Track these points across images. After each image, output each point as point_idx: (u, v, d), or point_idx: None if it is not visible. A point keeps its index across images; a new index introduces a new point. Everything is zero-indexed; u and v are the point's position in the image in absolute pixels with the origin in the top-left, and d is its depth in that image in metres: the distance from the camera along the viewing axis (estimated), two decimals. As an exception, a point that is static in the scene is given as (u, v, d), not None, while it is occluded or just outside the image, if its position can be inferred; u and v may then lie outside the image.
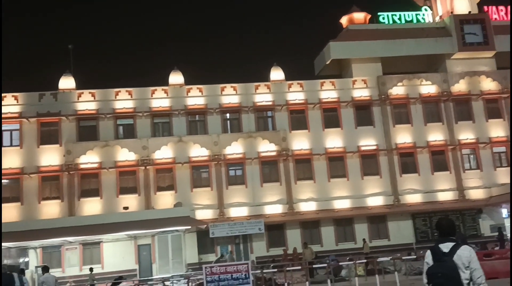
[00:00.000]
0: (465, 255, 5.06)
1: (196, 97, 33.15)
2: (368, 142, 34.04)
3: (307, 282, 18.12)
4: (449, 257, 5.05)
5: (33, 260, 29.31)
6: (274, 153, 32.93)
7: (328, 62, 36.02)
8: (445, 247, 5.16)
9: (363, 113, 34.48)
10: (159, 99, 32.83)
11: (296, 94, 34.01)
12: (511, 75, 34.08)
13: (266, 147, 32.92)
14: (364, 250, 28.80)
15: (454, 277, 4.97)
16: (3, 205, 30.51)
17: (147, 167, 31.66)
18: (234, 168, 32.80)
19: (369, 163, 33.84)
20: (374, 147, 34.02)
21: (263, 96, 33.73)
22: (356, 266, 22.05)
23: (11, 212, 30.49)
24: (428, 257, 5.26)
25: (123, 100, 32.47)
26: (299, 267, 22.48)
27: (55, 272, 28.58)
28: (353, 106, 34.44)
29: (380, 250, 29.87)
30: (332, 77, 35.78)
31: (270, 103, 33.70)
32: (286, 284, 17.97)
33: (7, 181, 31.12)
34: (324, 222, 32.31)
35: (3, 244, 27.60)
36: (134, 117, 32.53)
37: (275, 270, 21.16)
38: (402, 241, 32.09)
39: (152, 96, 32.79)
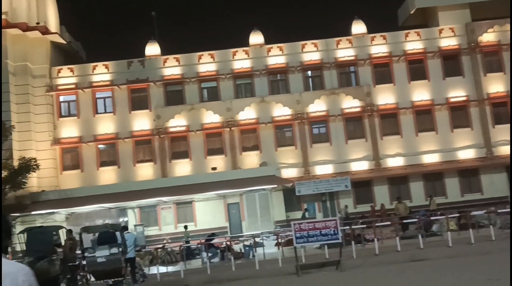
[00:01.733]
0: None
1: (277, 56, 33.13)
2: (457, 93, 32.55)
3: (397, 238, 17.98)
4: None
5: (131, 219, 31.25)
6: (358, 109, 32.42)
7: (412, 12, 34.46)
8: None
9: (451, 63, 32.89)
10: (241, 61, 33.18)
11: (379, 47, 33.02)
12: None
13: (350, 103, 32.44)
14: (430, 207, 27.76)
15: None
16: (102, 168, 32.72)
17: (232, 128, 32.38)
18: (318, 126, 32.74)
19: (459, 115, 32.45)
20: (464, 98, 32.50)
21: (345, 51, 33.06)
22: (448, 221, 21.55)
23: (110, 175, 32.57)
24: None
25: (206, 63, 33.17)
26: (388, 223, 22.28)
27: (152, 230, 30.64)
28: (441, 56, 32.90)
29: (473, 204, 28.86)
30: (417, 27, 34.20)
31: (352, 58, 32.98)
32: (375, 240, 17.93)
33: (104, 146, 33.19)
34: (413, 178, 31.63)
35: (104, 204, 29.74)
36: (217, 80, 33.18)
37: (364, 226, 21.17)
38: (496, 195, 30.71)
39: (233, 57, 33.20)
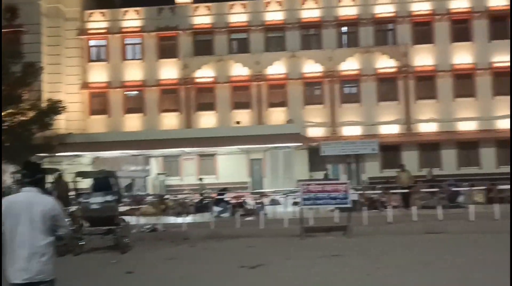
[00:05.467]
0: None
1: (311, 9, 31.62)
2: (503, 57, 30.28)
3: (413, 207, 17.08)
4: None
5: (154, 167, 31.27)
6: (393, 70, 30.81)
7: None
8: None
9: (499, 24, 30.48)
10: (273, 12, 31.89)
11: (421, 4, 30.97)
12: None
13: (385, 63, 30.85)
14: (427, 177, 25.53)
15: None
16: (128, 115, 32.62)
17: (260, 83, 31.49)
18: (349, 85, 31.43)
19: (503, 81, 30.22)
20: (509, 63, 30.26)
21: (384, 7, 31.20)
22: (475, 193, 20.42)
23: (135, 122, 32.52)
24: None
25: (237, 13, 32.08)
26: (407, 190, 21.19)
27: (174, 180, 30.58)
28: (488, 17, 30.58)
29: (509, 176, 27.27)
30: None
31: (391, 14, 31.11)
32: (389, 207, 17.13)
33: (131, 93, 33.03)
34: (445, 145, 30.14)
35: (129, 151, 29.74)
36: (248, 31, 32.08)
37: (380, 192, 20.31)
38: (537, 168, 28.93)
39: (266, 8, 31.94)
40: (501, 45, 30.31)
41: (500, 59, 30.34)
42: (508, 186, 20.46)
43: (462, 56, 30.63)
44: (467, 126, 30.28)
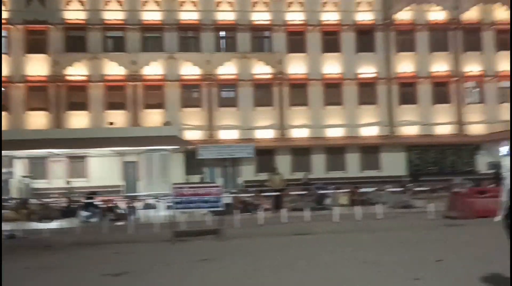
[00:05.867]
0: None
1: (189, 12, 31.53)
2: (367, 69, 32.65)
3: (283, 209, 17.66)
4: None
5: (19, 170, 29.13)
6: (268, 76, 31.74)
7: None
8: None
9: (364, 38, 32.71)
10: (151, 12, 31.33)
11: (295, 14, 32.26)
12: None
13: (261, 69, 31.68)
14: (270, 184, 23.39)
15: None
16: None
17: (136, 83, 30.75)
18: (226, 89, 31.80)
19: (367, 91, 32.58)
20: (374, 75, 32.68)
21: (260, 15, 32.04)
22: (340, 196, 21.68)
23: (-2, 121, 30.03)
24: None
25: (113, 10, 31.05)
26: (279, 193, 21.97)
27: (41, 183, 28.78)
28: (355, 30, 32.68)
29: (371, 180, 29.30)
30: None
31: (268, 22, 32.03)
32: (261, 210, 17.56)
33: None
34: (316, 150, 31.66)
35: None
36: (124, 30, 31.19)
37: (253, 194, 20.81)
38: (394, 173, 31.44)
39: (143, 7, 31.26)
40: (366, 57, 32.64)
41: (365, 71, 32.62)
42: (369, 189, 22.09)
43: (332, 66, 32.40)
44: (335, 133, 32.07)
